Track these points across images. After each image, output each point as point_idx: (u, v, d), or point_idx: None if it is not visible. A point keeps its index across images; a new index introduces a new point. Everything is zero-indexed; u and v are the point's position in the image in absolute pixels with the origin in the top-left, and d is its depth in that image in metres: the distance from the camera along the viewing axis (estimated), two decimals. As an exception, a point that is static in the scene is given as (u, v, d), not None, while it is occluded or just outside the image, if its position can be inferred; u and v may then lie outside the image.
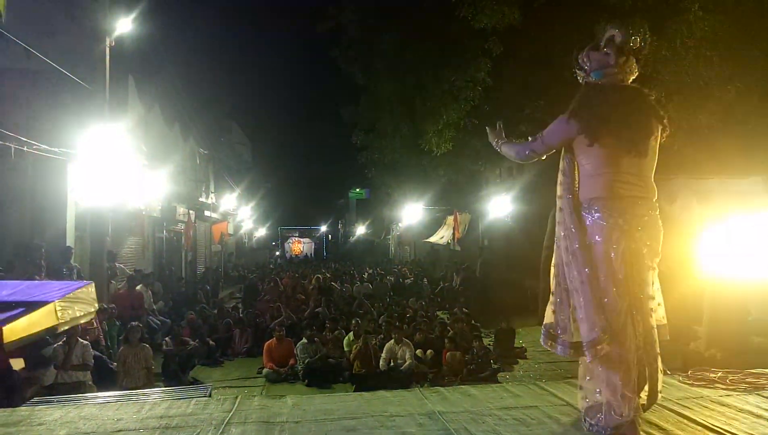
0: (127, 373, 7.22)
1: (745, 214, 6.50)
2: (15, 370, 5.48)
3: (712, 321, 6.63)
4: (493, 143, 3.31)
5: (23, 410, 3.53)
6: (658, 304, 2.96)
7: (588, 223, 2.82)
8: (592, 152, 2.85)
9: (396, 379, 7.99)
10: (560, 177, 3.05)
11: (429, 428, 2.96)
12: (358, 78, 14.28)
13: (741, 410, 3.17)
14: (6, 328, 3.04)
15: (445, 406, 3.33)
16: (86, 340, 6.98)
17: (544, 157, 3.12)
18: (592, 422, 2.78)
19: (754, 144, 8.86)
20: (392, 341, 8.65)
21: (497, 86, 11.07)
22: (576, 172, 2.98)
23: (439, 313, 13.21)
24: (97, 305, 2.58)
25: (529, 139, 3.09)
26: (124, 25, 10.54)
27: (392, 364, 8.45)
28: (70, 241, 10.16)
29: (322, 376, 8.53)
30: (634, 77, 2.98)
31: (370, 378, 8.13)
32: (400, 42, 12.73)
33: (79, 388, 6.30)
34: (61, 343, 6.46)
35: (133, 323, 7.87)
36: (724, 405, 3.26)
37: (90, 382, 6.66)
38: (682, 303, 7.16)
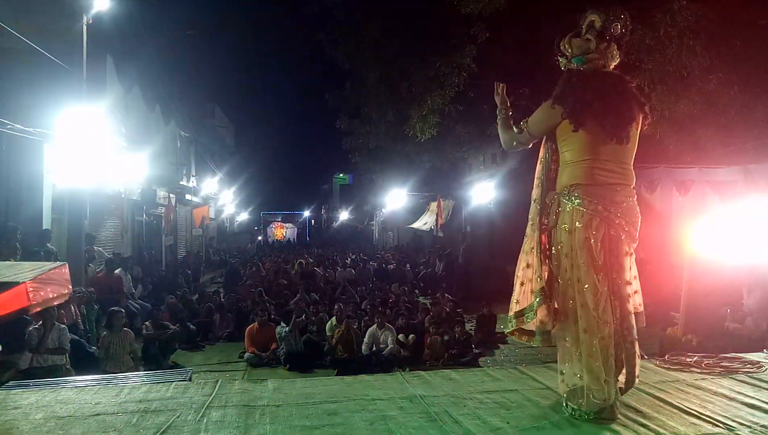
0: (111, 359, 7.14)
1: (724, 202, 6.61)
2: (-10, 354, 5.38)
3: (689, 307, 6.75)
4: (498, 104, 3.27)
5: (-2, 394, 3.47)
6: (635, 292, 3.00)
7: (568, 209, 2.84)
8: (574, 139, 2.87)
9: (378, 363, 8.02)
10: (538, 166, 3.08)
11: (410, 411, 2.98)
12: (344, 62, 14.12)
13: (715, 393, 3.24)
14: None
15: (426, 389, 3.35)
16: (63, 323, 6.87)
17: (529, 146, 3.16)
18: (575, 407, 2.81)
19: (734, 134, 9.00)
20: (374, 326, 8.67)
21: (482, 73, 11.03)
22: (556, 161, 3.01)
23: (420, 298, 13.26)
24: (71, 286, 2.51)
25: (515, 130, 3.10)
26: (102, 3, 10.25)
27: (374, 348, 8.48)
28: (46, 224, 9.95)
29: (304, 360, 8.52)
30: (616, 64, 2.99)
31: (352, 362, 8.15)
32: (386, 27, 12.60)
33: (55, 371, 6.19)
34: (36, 326, 6.34)
35: (115, 308, 7.76)
36: (699, 388, 3.33)
37: (68, 366, 6.56)
38: (660, 289, 7.29)
